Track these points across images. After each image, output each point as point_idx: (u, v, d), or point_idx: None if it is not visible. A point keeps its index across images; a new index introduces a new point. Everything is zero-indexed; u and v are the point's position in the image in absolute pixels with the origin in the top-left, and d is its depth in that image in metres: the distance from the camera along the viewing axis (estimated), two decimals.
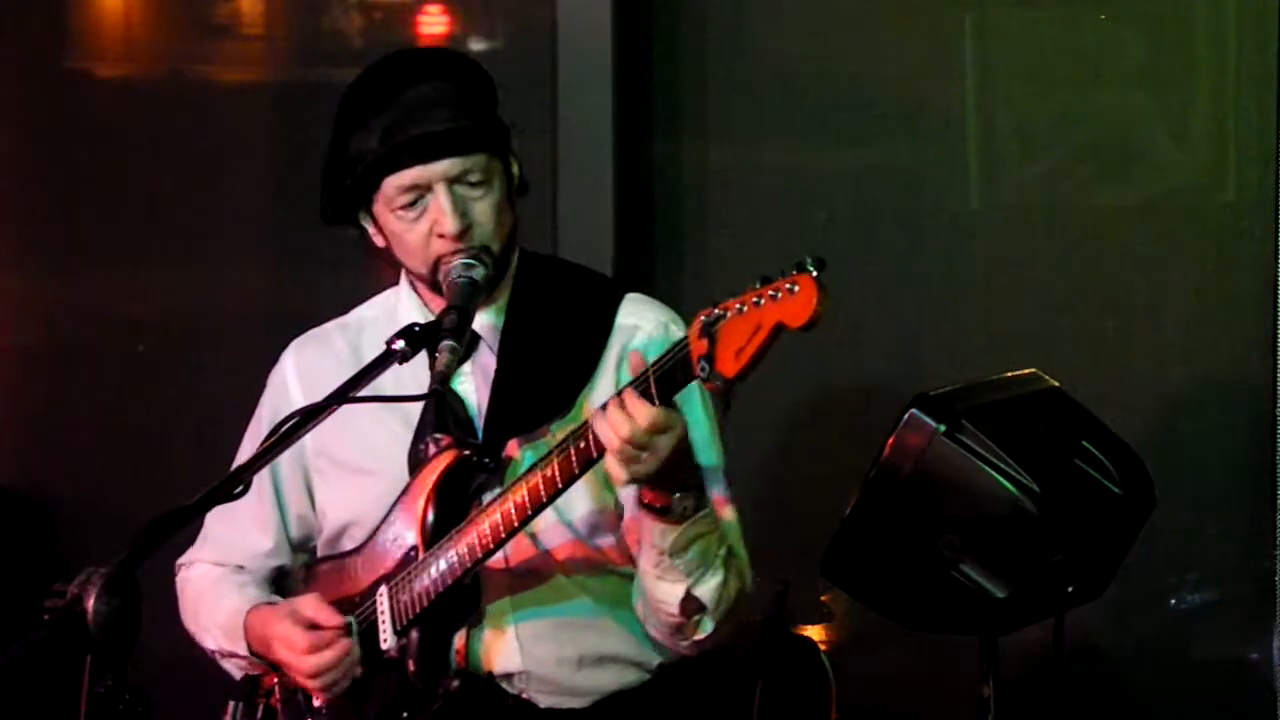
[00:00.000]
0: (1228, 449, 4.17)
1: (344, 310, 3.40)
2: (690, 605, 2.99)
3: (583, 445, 2.84)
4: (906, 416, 3.12)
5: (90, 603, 2.57)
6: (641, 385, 2.77)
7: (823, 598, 4.27)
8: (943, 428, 3.09)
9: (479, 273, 3.03)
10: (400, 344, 2.91)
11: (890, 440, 3.13)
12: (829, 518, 3.25)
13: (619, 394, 2.80)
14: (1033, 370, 3.38)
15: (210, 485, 2.77)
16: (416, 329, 2.93)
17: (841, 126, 4.39)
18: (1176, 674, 4.23)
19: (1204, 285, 4.21)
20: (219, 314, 4.77)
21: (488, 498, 3.05)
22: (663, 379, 2.74)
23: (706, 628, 3.03)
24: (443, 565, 3.01)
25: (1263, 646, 4.08)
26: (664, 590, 2.99)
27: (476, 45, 4.59)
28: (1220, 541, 4.20)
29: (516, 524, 2.93)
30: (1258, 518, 4.00)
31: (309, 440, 3.22)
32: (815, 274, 2.55)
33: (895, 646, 4.04)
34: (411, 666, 3.07)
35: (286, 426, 2.83)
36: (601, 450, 2.82)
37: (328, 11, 4.70)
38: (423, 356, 2.97)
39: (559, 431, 3.05)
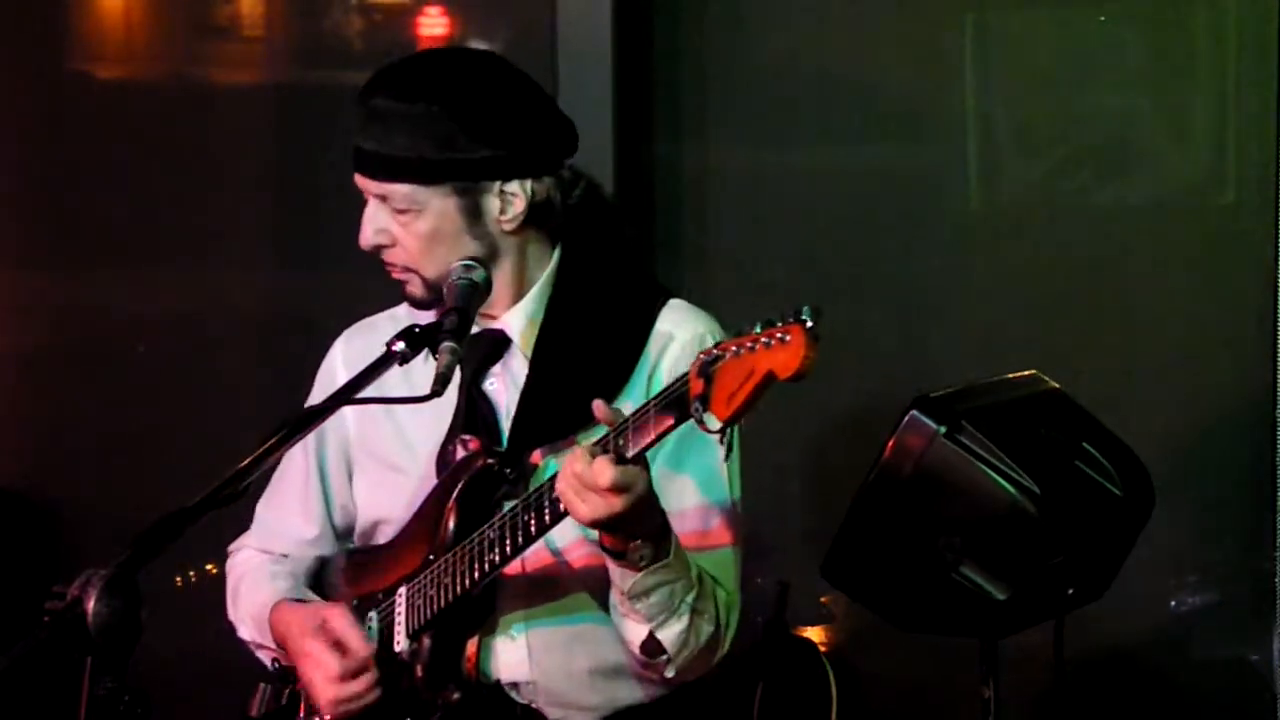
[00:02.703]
0: (1228, 450, 4.17)
1: (345, 311, 3.40)
2: (651, 646, 2.98)
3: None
4: (906, 418, 3.11)
5: (90, 604, 2.56)
6: (640, 422, 2.73)
7: (823, 599, 4.27)
8: (943, 429, 3.08)
9: (479, 274, 3.02)
10: (400, 345, 2.91)
11: (890, 442, 3.12)
12: (829, 519, 3.24)
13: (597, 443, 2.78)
14: (1033, 372, 3.37)
15: (211, 486, 2.76)
16: (417, 330, 2.93)
17: (841, 127, 4.39)
18: (1177, 675, 4.23)
19: (1204, 286, 4.21)
20: (219, 315, 4.77)
21: (508, 506, 3.03)
22: (663, 412, 2.70)
23: (671, 671, 3.02)
24: (455, 573, 3.00)
25: (1263, 648, 4.07)
26: (627, 628, 2.98)
27: (476, 47, 4.59)
28: (1220, 543, 4.20)
29: (534, 535, 2.91)
30: (1258, 519, 3.99)
31: (352, 430, 3.26)
32: (809, 324, 2.51)
33: (895, 648, 4.04)
34: (419, 672, 3.06)
35: (287, 428, 2.82)
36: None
37: (328, 13, 4.70)
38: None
39: (584, 440, 3.02)
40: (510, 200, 3.10)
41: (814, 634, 4.20)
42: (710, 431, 2.61)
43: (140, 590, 2.60)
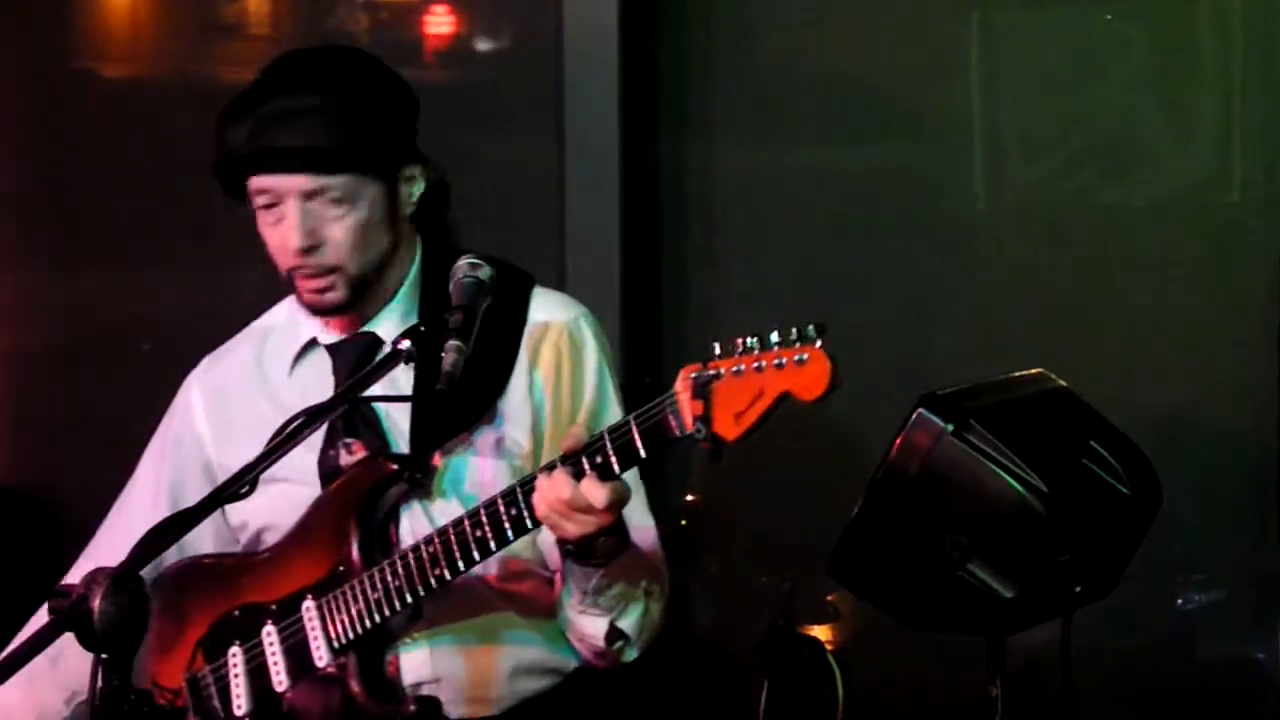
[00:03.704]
0: (1233, 449, 4.17)
1: None
2: (614, 636, 3.00)
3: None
4: (914, 416, 3.11)
5: (96, 602, 2.56)
6: (622, 440, 2.72)
7: (829, 597, 4.27)
8: (950, 427, 3.07)
9: (485, 272, 2.99)
10: (406, 344, 2.90)
11: (898, 440, 3.11)
12: (835, 518, 3.24)
13: (573, 462, 2.76)
14: (1040, 370, 3.37)
15: (214, 486, 2.76)
16: (422, 329, 2.92)
17: (847, 127, 4.39)
18: (1182, 674, 4.23)
19: (1209, 285, 4.21)
20: (221, 314, 4.74)
21: (408, 510, 3.03)
22: (649, 434, 2.70)
23: (630, 655, 3.03)
24: (388, 589, 2.95)
25: (1268, 647, 4.08)
26: (587, 623, 2.99)
27: (482, 45, 4.59)
28: (1226, 542, 4.20)
29: (493, 549, 2.87)
30: (1263, 518, 4.00)
31: (213, 454, 3.24)
32: (821, 344, 2.53)
33: (902, 646, 4.04)
34: (355, 687, 3.02)
35: (292, 427, 2.82)
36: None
37: (334, 12, 4.69)
38: (317, 366, 3.01)
39: (479, 438, 3.04)
40: (414, 185, 3.12)
41: (820, 632, 4.20)
42: (710, 449, 2.61)
43: (145, 589, 2.60)
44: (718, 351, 2.60)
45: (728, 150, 4.44)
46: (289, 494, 3.13)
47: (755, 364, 2.55)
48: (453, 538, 2.89)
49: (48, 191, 4.82)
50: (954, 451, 3.07)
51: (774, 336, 2.56)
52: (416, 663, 3.08)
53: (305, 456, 3.10)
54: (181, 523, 2.74)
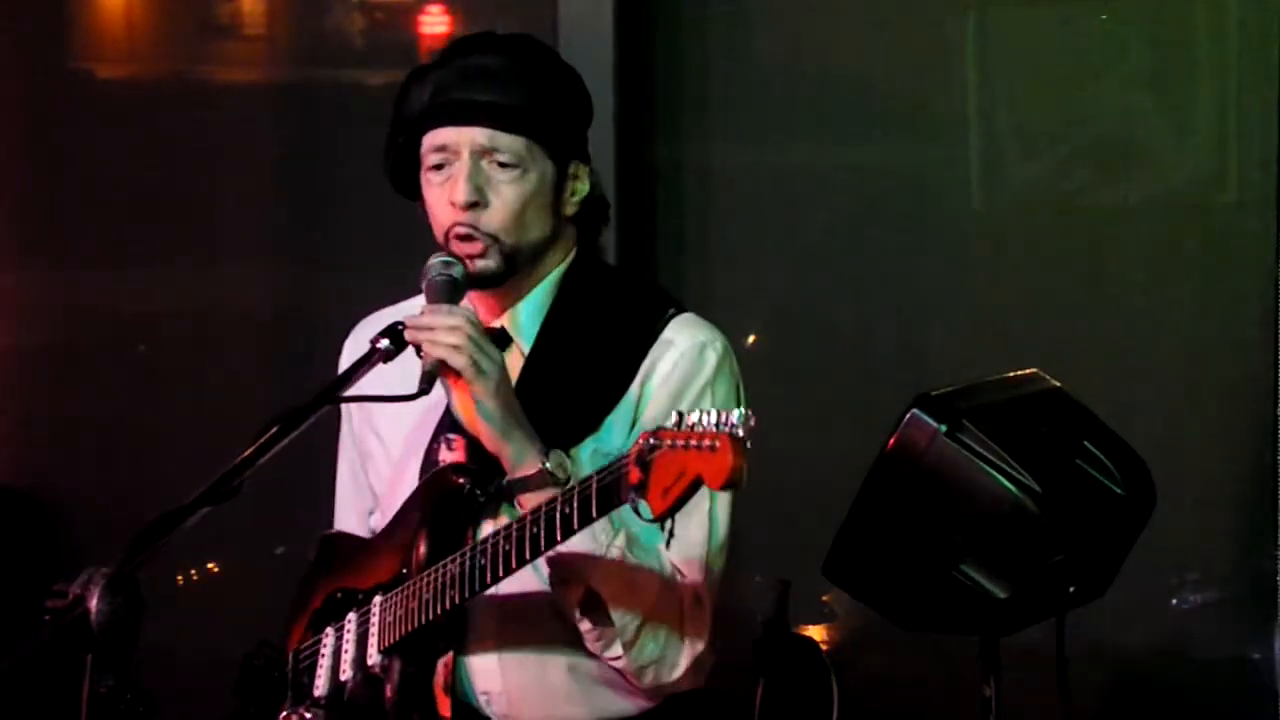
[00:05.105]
0: (1229, 449, 4.17)
1: (346, 310, 3.38)
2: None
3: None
4: (907, 416, 3.11)
5: (92, 602, 2.56)
6: (584, 492, 2.66)
7: (824, 598, 4.27)
8: (944, 428, 3.08)
9: (458, 270, 2.95)
10: (384, 342, 2.89)
11: (891, 440, 3.12)
12: (831, 517, 3.24)
13: None
14: (1034, 370, 3.37)
15: (206, 484, 2.76)
16: (400, 328, 2.90)
17: (843, 127, 4.39)
18: (1178, 674, 4.23)
19: (1205, 285, 4.21)
20: (219, 314, 4.77)
21: (487, 526, 2.97)
22: (601, 493, 2.63)
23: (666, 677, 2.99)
24: (422, 600, 2.91)
25: (1264, 647, 4.08)
26: (610, 649, 2.95)
27: None
28: (1221, 541, 4.20)
29: (515, 566, 2.81)
30: (1259, 517, 4.00)
31: (354, 424, 3.22)
32: (738, 435, 2.45)
33: (897, 646, 4.04)
34: (389, 692, 2.97)
35: (276, 429, 2.79)
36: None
37: (329, 12, 4.70)
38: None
39: (581, 447, 2.98)
40: (580, 184, 3.09)
41: (815, 632, 4.21)
42: (648, 521, 2.54)
43: (141, 588, 2.60)
44: (671, 422, 2.52)
45: (723, 150, 4.44)
46: (397, 479, 3.10)
47: (684, 441, 2.48)
48: (466, 562, 2.85)
49: (43, 193, 4.83)
50: (948, 452, 3.07)
51: (709, 417, 2.48)
52: (486, 672, 3.04)
53: (415, 444, 3.08)
54: (172, 521, 2.73)
